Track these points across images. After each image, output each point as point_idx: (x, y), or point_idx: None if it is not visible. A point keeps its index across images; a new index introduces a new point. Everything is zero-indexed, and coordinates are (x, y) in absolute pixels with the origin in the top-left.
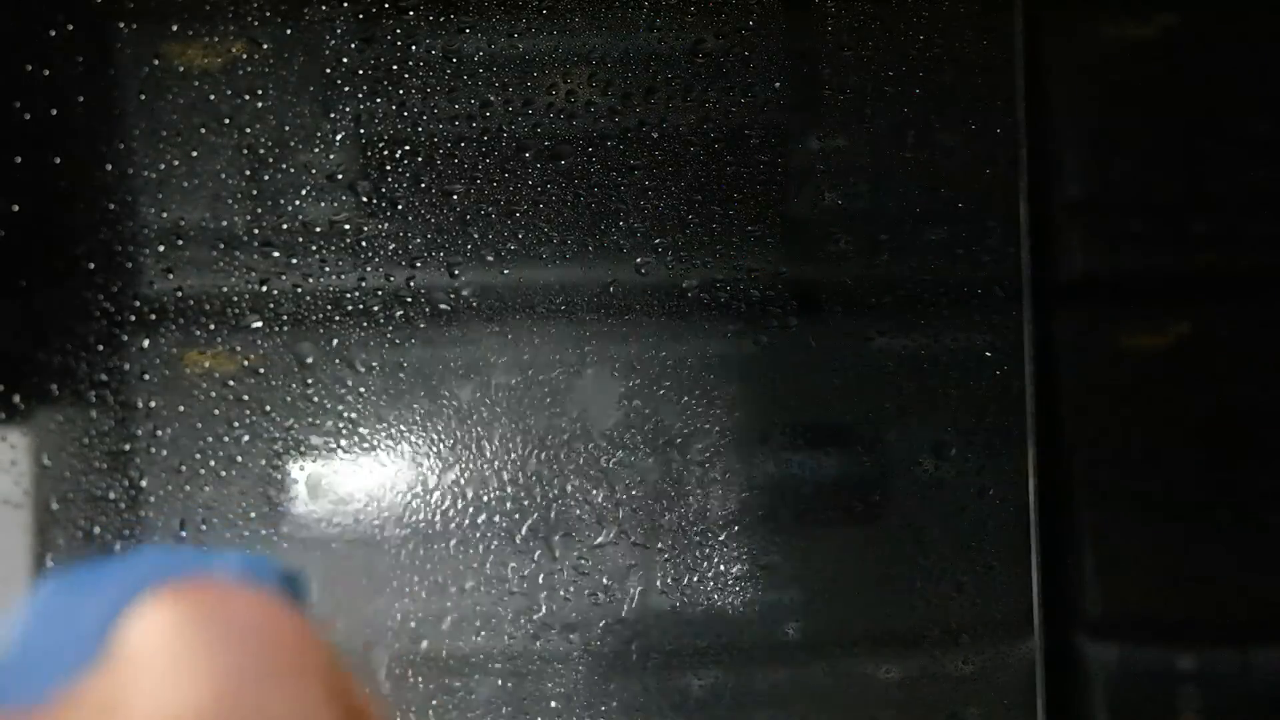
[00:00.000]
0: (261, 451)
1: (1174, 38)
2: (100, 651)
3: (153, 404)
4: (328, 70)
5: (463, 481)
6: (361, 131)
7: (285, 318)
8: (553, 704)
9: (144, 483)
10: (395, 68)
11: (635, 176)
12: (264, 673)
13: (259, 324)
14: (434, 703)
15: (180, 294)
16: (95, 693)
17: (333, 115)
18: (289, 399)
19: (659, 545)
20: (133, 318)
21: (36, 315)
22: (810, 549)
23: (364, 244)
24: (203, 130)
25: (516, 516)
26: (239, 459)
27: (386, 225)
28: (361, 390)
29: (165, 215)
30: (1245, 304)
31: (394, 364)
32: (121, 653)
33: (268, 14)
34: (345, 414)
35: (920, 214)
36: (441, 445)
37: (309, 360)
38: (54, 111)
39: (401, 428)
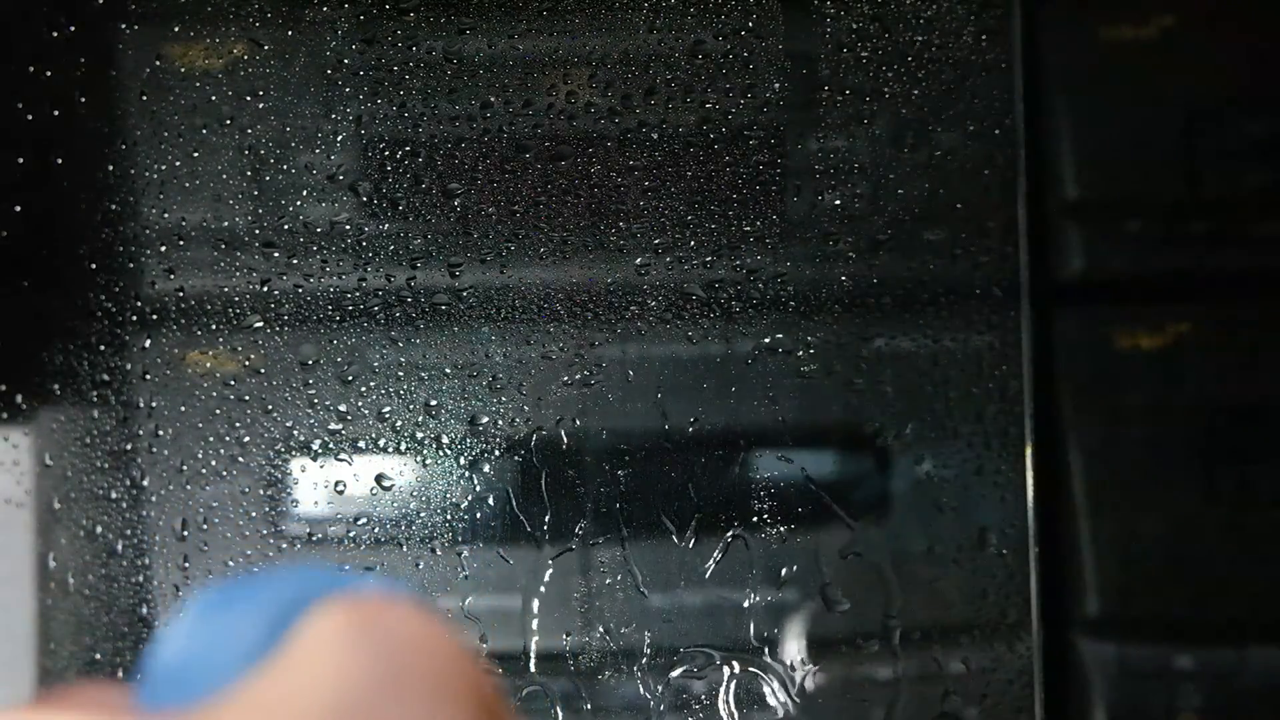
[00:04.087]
0: (262, 451)
1: (1174, 38)
2: (262, 661)
3: (154, 403)
4: (329, 71)
5: (464, 481)
6: (362, 132)
7: (286, 318)
8: (552, 702)
9: (146, 482)
10: (396, 69)
11: (635, 176)
12: (431, 688)
13: (260, 324)
14: None
15: (182, 294)
16: (258, 696)
17: (334, 116)
18: (290, 399)
19: (657, 546)
20: (134, 318)
21: (38, 315)
22: (808, 549)
23: (364, 244)
24: (204, 131)
25: (517, 516)
26: (240, 459)
27: (387, 225)
28: (362, 390)
29: (167, 215)
30: (1245, 304)
31: (394, 364)
32: (291, 660)
33: (269, 15)
34: (345, 414)
35: (919, 214)
36: (442, 445)
37: (310, 360)
38: (56, 112)
39: (402, 428)
